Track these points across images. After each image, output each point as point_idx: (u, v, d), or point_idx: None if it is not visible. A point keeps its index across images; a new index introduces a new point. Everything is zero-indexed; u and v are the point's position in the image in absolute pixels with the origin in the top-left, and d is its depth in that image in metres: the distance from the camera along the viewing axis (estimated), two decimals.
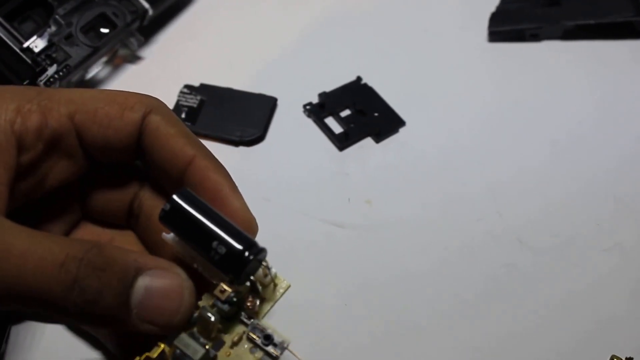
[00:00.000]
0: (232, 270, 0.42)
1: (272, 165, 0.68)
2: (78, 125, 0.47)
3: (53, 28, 0.68)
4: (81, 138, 0.47)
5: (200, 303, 0.44)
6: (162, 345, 0.42)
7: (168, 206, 0.43)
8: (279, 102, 0.73)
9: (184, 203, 0.43)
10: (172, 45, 0.79)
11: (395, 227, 0.64)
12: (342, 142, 0.70)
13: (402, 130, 0.71)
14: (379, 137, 0.70)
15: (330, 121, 0.71)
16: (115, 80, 0.75)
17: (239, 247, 0.42)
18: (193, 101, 0.71)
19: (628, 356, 0.54)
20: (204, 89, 0.73)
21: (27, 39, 0.67)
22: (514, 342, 0.57)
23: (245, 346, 0.44)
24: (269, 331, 0.44)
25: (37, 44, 0.67)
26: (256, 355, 0.44)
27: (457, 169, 0.68)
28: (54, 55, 0.67)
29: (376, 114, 0.72)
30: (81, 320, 0.42)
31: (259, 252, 0.43)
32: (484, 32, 0.79)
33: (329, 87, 0.73)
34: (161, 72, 0.76)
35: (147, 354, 0.41)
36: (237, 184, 0.48)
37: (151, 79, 0.74)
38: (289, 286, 0.47)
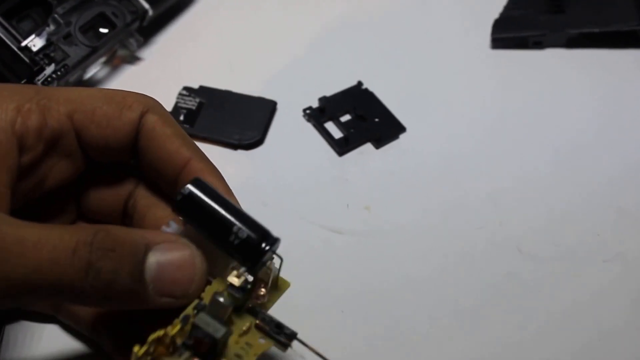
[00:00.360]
0: (248, 258, 0.43)
1: (271, 169, 0.67)
2: (77, 124, 0.47)
3: (52, 27, 0.68)
4: (80, 137, 0.47)
5: (210, 288, 0.44)
6: (178, 325, 0.42)
7: (185, 191, 0.44)
8: (278, 106, 0.72)
9: (200, 190, 0.44)
10: (171, 46, 0.78)
11: (394, 234, 0.63)
12: (342, 147, 0.69)
13: (402, 136, 0.70)
14: (379, 143, 0.70)
15: (330, 126, 0.71)
16: (114, 80, 0.74)
17: (257, 235, 0.43)
18: (192, 103, 0.71)
19: None
20: (203, 91, 0.72)
21: (25, 38, 0.66)
22: (513, 352, 0.57)
23: (255, 335, 0.44)
24: (280, 321, 0.44)
25: (35, 43, 0.66)
26: (266, 344, 0.44)
27: (458, 176, 0.67)
28: (52, 54, 0.67)
29: (376, 120, 0.71)
30: (101, 303, 0.43)
31: (275, 242, 0.44)
32: (487, 39, 0.78)
33: (329, 91, 0.73)
34: (160, 73, 0.75)
35: (165, 330, 0.41)
36: (235, 188, 0.48)
37: (150, 80, 0.74)
38: (289, 284, 0.48)
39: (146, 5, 0.73)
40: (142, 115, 0.48)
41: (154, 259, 0.42)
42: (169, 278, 0.43)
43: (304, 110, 0.72)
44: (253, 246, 0.43)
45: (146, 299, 0.42)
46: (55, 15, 0.68)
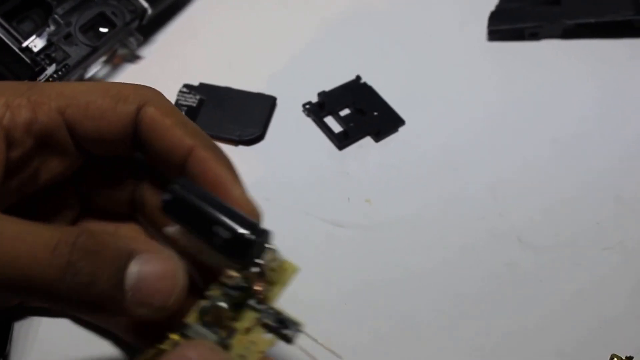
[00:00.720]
0: (237, 254, 0.42)
1: (272, 164, 0.68)
2: (69, 119, 0.46)
3: (52, 27, 0.68)
4: (73, 132, 0.47)
5: (209, 293, 0.44)
6: (174, 337, 0.42)
7: (167, 196, 0.43)
8: (278, 102, 0.73)
9: (182, 191, 0.43)
10: (171, 44, 0.79)
11: (395, 227, 0.64)
12: (342, 141, 0.69)
13: (401, 129, 0.71)
14: (378, 136, 0.70)
15: (329, 120, 0.71)
16: (115, 79, 0.75)
17: (241, 230, 0.42)
18: (192, 100, 0.71)
19: (628, 355, 0.55)
20: (203, 88, 0.73)
21: (26, 39, 0.67)
22: (515, 341, 0.57)
23: (259, 331, 0.44)
24: (282, 315, 0.44)
25: (36, 43, 0.67)
26: (271, 339, 0.43)
27: (457, 168, 0.68)
28: (53, 54, 0.67)
29: (376, 113, 0.72)
30: (76, 306, 0.42)
31: (261, 234, 0.43)
32: (484, 31, 0.79)
33: (329, 86, 0.73)
34: (160, 71, 0.76)
35: (158, 346, 0.41)
36: (240, 177, 0.47)
37: (150, 79, 0.72)
38: (297, 269, 0.46)
39: (145, 4, 0.73)
40: (139, 108, 0.47)
41: (135, 267, 0.41)
42: (148, 288, 0.41)
43: (304, 105, 0.72)
44: (237, 242, 0.42)
45: (123, 307, 0.41)
46: (55, 16, 0.68)
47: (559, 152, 0.69)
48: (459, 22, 0.81)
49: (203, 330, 0.42)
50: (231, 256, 0.43)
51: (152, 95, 0.48)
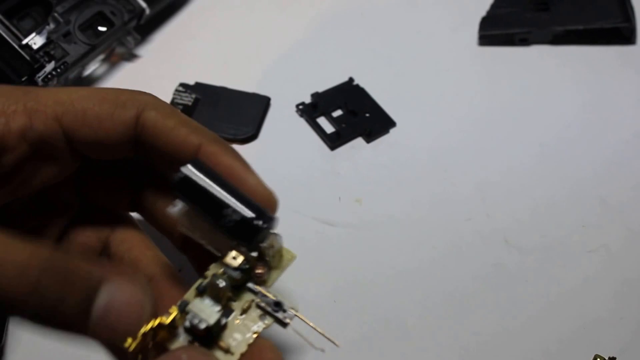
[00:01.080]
0: (244, 236, 0.43)
1: (265, 163, 0.67)
2: (66, 127, 0.46)
3: (51, 25, 0.69)
4: (71, 139, 0.47)
5: (209, 272, 0.44)
6: (175, 312, 0.42)
7: (181, 174, 0.43)
8: (272, 102, 0.73)
9: (196, 171, 0.44)
10: (168, 44, 0.79)
11: (384, 226, 0.65)
12: (334, 141, 0.70)
13: (392, 130, 0.72)
14: (369, 137, 0.71)
15: (322, 121, 0.72)
16: (112, 77, 0.76)
17: (252, 214, 0.43)
18: (188, 99, 0.72)
19: (611, 356, 0.56)
20: (199, 87, 0.74)
21: (26, 36, 0.67)
22: (500, 341, 0.58)
23: (255, 314, 0.44)
24: (279, 298, 0.44)
25: (35, 41, 0.68)
26: (266, 322, 0.44)
27: (446, 169, 0.69)
28: (52, 52, 0.68)
29: (367, 115, 0.73)
30: (42, 324, 0.40)
31: (270, 220, 0.44)
32: (475, 36, 0.80)
33: (322, 87, 0.74)
34: (157, 70, 0.76)
35: (160, 319, 0.41)
36: (251, 168, 0.48)
37: (147, 77, 0.75)
38: (295, 256, 0.47)
39: (143, 4, 0.74)
40: (138, 114, 0.47)
41: (104, 294, 0.40)
42: (115, 316, 0.40)
43: (297, 105, 0.73)
44: (246, 227, 0.43)
45: (87, 331, 0.40)
46: (55, 14, 0.69)
47: (546, 156, 0.70)
48: (450, 26, 0.81)
49: (204, 307, 0.42)
50: (238, 239, 0.44)
51: (149, 99, 0.48)
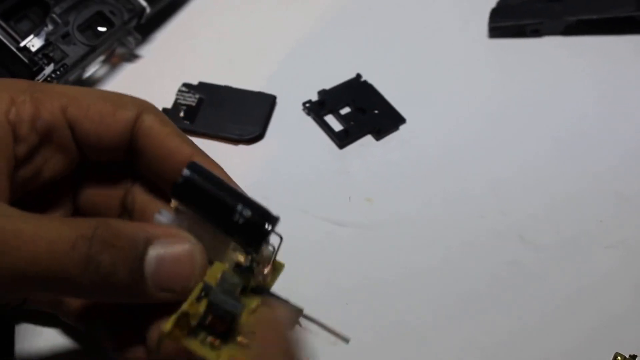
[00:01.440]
0: (253, 237, 0.44)
1: (272, 163, 0.68)
2: (70, 119, 0.47)
3: (50, 27, 0.68)
4: (73, 132, 0.48)
5: (212, 270, 0.44)
6: (201, 286, 0.43)
7: (185, 175, 0.43)
8: (278, 100, 0.72)
9: (198, 174, 0.44)
10: (170, 43, 0.78)
11: (396, 226, 0.64)
12: (342, 140, 0.69)
13: (402, 127, 0.71)
14: (379, 135, 0.70)
15: (330, 119, 0.71)
16: (113, 79, 0.75)
17: (261, 213, 0.44)
18: (192, 100, 0.71)
19: (632, 354, 0.54)
20: (203, 87, 0.73)
21: (23, 38, 0.66)
22: (518, 340, 0.57)
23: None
24: (284, 298, 0.45)
25: (34, 43, 0.67)
26: None
27: (459, 166, 0.68)
28: (51, 54, 0.67)
29: (376, 112, 0.71)
30: (99, 296, 0.43)
31: (276, 220, 0.44)
32: (485, 28, 0.79)
33: (329, 84, 0.73)
34: (159, 70, 0.75)
35: (182, 309, 0.41)
36: (236, 183, 0.48)
37: (149, 78, 0.74)
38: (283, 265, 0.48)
39: (144, 3, 0.73)
40: (137, 116, 0.48)
41: (153, 253, 0.42)
42: (168, 273, 0.43)
43: (304, 103, 0.72)
44: (257, 225, 0.43)
45: (145, 294, 0.42)
46: (53, 15, 0.68)
47: (561, 150, 0.68)
48: (459, 19, 0.80)
49: (227, 298, 0.42)
50: (245, 239, 0.44)
51: (149, 104, 0.49)
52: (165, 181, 0.49)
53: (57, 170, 0.49)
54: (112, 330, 0.49)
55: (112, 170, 0.52)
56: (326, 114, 0.71)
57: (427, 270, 0.61)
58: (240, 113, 0.71)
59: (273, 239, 0.45)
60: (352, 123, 0.70)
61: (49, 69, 0.66)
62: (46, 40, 0.67)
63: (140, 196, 0.51)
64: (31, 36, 0.67)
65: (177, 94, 0.72)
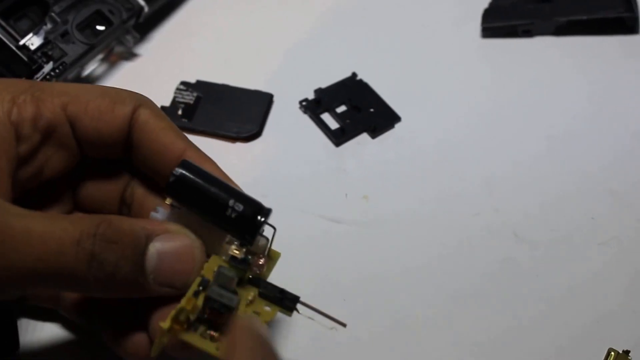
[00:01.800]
0: (248, 230, 0.45)
1: (269, 161, 0.68)
2: (70, 116, 0.48)
3: (49, 25, 0.68)
4: (74, 129, 0.48)
5: (208, 265, 0.45)
6: (199, 280, 0.44)
7: (177, 173, 0.44)
8: (275, 99, 0.73)
9: (190, 171, 0.45)
10: (168, 42, 0.79)
11: (392, 223, 0.64)
12: (338, 137, 0.70)
13: (397, 125, 0.71)
14: (374, 133, 0.70)
15: (326, 117, 0.71)
16: (112, 77, 0.75)
17: (253, 206, 0.45)
18: (189, 98, 0.72)
19: (625, 349, 0.55)
20: (201, 85, 0.73)
21: (23, 37, 0.66)
22: (512, 336, 0.57)
23: (261, 303, 0.45)
24: (282, 288, 0.46)
25: (33, 41, 0.67)
26: (273, 310, 0.45)
27: (453, 164, 0.68)
28: (50, 52, 0.67)
29: (372, 110, 0.72)
30: (103, 292, 0.44)
31: (269, 212, 0.45)
32: (478, 28, 0.79)
33: (325, 83, 0.73)
34: (157, 69, 0.76)
35: (180, 305, 0.42)
36: (233, 180, 0.49)
37: (147, 76, 0.74)
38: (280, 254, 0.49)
39: (142, 2, 0.73)
40: (134, 110, 0.49)
41: (154, 249, 0.43)
42: (169, 268, 0.44)
43: (300, 102, 0.72)
44: (250, 218, 0.44)
45: (147, 289, 0.44)
46: (52, 14, 0.68)
47: (554, 148, 0.69)
48: (453, 19, 0.81)
49: (223, 292, 0.43)
50: (239, 232, 0.45)
51: (146, 99, 0.50)
52: (160, 176, 0.50)
53: (58, 167, 0.49)
54: (112, 323, 0.50)
55: (111, 166, 0.53)
56: (322, 112, 0.72)
57: (422, 267, 0.61)
58: (237, 111, 0.71)
59: (267, 231, 0.46)
60: (348, 121, 0.71)
61: (48, 67, 0.66)
62: (45, 38, 0.67)
63: (138, 191, 0.52)
64: (30, 35, 0.67)
65: (175, 92, 0.72)
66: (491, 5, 0.80)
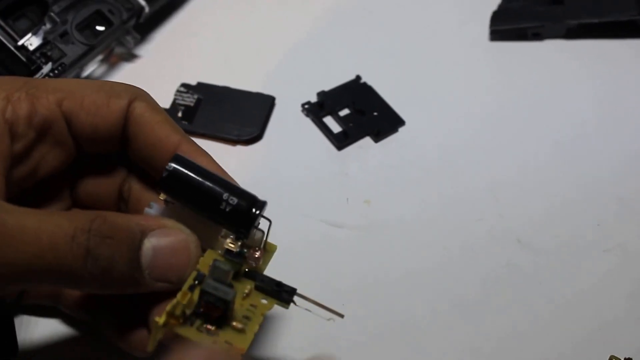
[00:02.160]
0: (242, 223, 0.45)
1: (270, 164, 0.68)
2: (66, 112, 0.48)
3: (48, 26, 0.68)
4: (70, 125, 0.48)
5: (204, 259, 0.45)
6: (194, 275, 0.44)
7: (170, 168, 0.45)
8: (277, 101, 0.72)
9: (183, 165, 0.45)
10: (168, 43, 0.78)
11: (394, 228, 0.63)
12: (341, 141, 0.69)
13: (401, 129, 0.70)
14: (378, 137, 0.69)
15: (329, 120, 0.71)
16: (111, 78, 0.74)
17: (248, 199, 0.45)
18: (190, 100, 0.71)
19: (627, 357, 0.54)
20: (201, 87, 0.72)
21: (21, 37, 0.66)
22: (514, 343, 0.57)
23: (258, 296, 0.46)
24: (278, 280, 0.46)
25: (32, 41, 0.66)
26: (270, 302, 0.45)
27: (457, 168, 0.67)
28: (49, 53, 0.67)
29: (375, 113, 0.71)
30: (99, 288, 0.44)
31: (263, 205, 0.45)
32: (486, 31, 0.78)
33: (328, 86, 0.73)
34: (158, 70, 0.75)
35: (176, 299, 0.42)
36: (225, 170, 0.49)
37: (148, 78, 0.73)
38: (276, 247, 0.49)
39: (143, 2, 0.73)
40: (130, 103, 0.49)
41: (149, 245, 0.43)
42: (164, 263, 0.44)
43: (303, 105, 0.71)
44: (244, 211, 0.44)
45: (142, 284, 0.43)
46: (52, 14, 0.68)
47: (560, 153, 0.68)
48: (460, 21, 0.80)
49: (218, 285, 0.43)
50: (234, 226, 0.45)
51: (141, 92, 0.50)
52: (155, 170, 0.49)
53: (55, 165, 0.49)
54: (113, 318, 0.50)
55: (108, 162, 0.53)
56: (325, 115, 0.71)
57: (425, 273, 0.60)
58: (238, 114, 0.70)
59: (263, 224, 0.47)
60: (351, 125, 0.70)
61: (46, 68, 0.66)
62: (44, 39, 0.67)
63: (135, 186, 0.52)
64: (29, 35, 0.67)
65: (175, 94, 0.72)
66: (500, 7, 0.79)
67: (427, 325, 0.58)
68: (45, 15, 0.68)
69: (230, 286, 0.43)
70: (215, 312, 0.43)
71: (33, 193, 0.50)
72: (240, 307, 0.45)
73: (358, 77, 0.74)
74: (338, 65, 0.75)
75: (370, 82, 0.73)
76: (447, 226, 0.63)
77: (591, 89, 0.73)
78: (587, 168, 0.67)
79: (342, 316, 0.46)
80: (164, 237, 0.44)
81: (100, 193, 0.53)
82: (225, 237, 0.46)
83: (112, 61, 0.75)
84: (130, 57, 0.76)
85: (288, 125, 0.71)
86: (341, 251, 0.62)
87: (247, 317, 0.44)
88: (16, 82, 0.48)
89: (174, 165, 0.45)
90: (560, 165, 0.67)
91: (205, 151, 0.49)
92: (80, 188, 0.53)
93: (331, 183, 0.67)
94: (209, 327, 0.43)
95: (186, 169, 0.45)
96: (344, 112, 0.71)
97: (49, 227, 0.40)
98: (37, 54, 0.66)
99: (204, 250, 0.46)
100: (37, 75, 0.65)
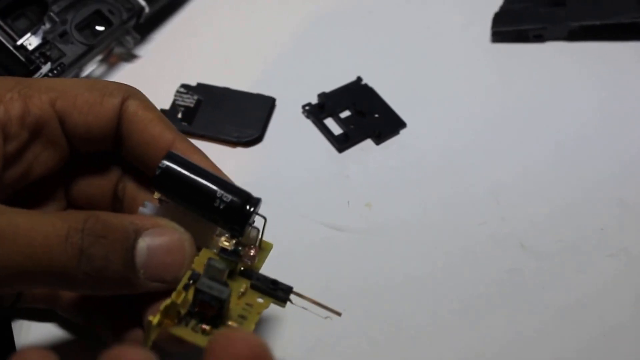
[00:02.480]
0: (237, 220, 0.45)
1: (270, 166, 0.67)
2: (59, 111, 0.48)
3: (47, 25, 0.67)
4: (63, 124, 0.48)
5: (199, 258, 0.45)
6: (189, 274, 0.44)
7: (163, 165, 0.45)
8: (277, 103, 0.72)
9: (176, 163, 0.45)
10: (168, 43, 0.78)
11: (395, 231, 0.63)
12: (342, 143, 0.69)
13: (402, 131, 0.70)
14: (379, 139, 0.69)
15: (329, 122, 0.70)
16: (111, 79, 0.74)
17: (242, 196, 0.45)
18: (190, 101, 0.71)
19: None
20: (201, 88, 0.72)
21: (20, 37, 0.66)
22: (517, 348, 0.56)
23: (254, 295, 0.45)
24: (274, 279, 0.46)
25: (31, 41, 0.66)
26: (266, 301, 0.45)
27: (459, 171, 0.67)
28: (48, 53, 0.67)
29: (376, 115, 0.71)
30: (93, 289, 0.43)
31: (258, 202, 0.45)
32: (487, 33, 0.78)
33: (329, 87, 0.72)
34: (157, 71, 0.75)
35: (171, 299, 0.42)
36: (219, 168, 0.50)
37: (147, 78, 0.73)
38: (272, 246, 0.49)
39: (143, 2, 0.72)
40: (123, 101, 0.49)
41: (144, 244, 0.43)
42: (159, 263, 0.44)
43: (303, 106, 0.71)
44: (238, 208, 0.44)
45: (137, 284, 0.43)
46: (51, 13, 0.68)
47: (563, 156, 0.68)
48: (462, 23, 0.80)
49: (213, 284, 0.43)
50: (228, 224, 0.45)
51: (134, 90, 0.50)
52: (149, 169, 0.49)
53: (48, 165, 0.49)
54: (108, 320, 0.50)
55: (103, 161, 0.53)
56: (326, 117, 0.71)
57: (426, 277, 0.60)
58: (238, 115, 0.70)
59: (258, 222, 0.46)
60: (352, 127, 0.70)
61: (45, 68, 0.66)
62: (43, 38, 0.67)
63: (130, 185, 0.52)
64: (28, 34, 0.66)
65: (175, 95, 0.71)
66: (502, 9, 0.79)
67: (428, 330, 0.57)
68: (44, 14, 0.68)
69: (226, 285, 0.43)
70: (210, 311, 0.43)
71: (27, 194, 0.50)
72: (235, 306, 0.45)
73: (359, 79, 0.73)
74: (339, 66, 0.75)
75: (371, 84, 0.73)
76: (448, 230, 0.63)
77: (593, 91, 0.73)
78: (590, 171, 0.67)
79: (339, 314, 0.46)
80: (158, 236, 0.44)
81: (95, 193, 0.53)
82: (220, 235, 0.46)
83: (111, 61, 0.75)
84: (130, 57, 0.76)
85: (288, 127, 0.71)
86: (342, 255, 0.62)
87: (242, 317, 0.44)
88: (8, 82, 0.48)
89: (167, 162, 0.45)
90: (562, 168, 0.67)
91: (199, 149, 0.50)
92: (74, 188, 0.53)
93: (332, 186, 0.66)
94: (204, 326, 0.43)
95: (179, 166, 0.45)
96: (345, 113, 0.71)
97: (43, 227, 0.40)
98: (36, 54, 0.66)
99: (198, 249, 0.46)
100: (35, 75, 0.65)
